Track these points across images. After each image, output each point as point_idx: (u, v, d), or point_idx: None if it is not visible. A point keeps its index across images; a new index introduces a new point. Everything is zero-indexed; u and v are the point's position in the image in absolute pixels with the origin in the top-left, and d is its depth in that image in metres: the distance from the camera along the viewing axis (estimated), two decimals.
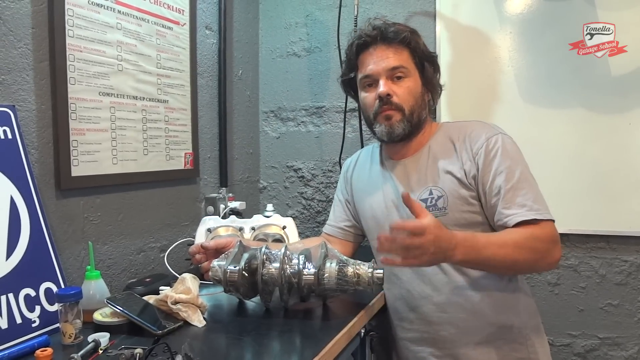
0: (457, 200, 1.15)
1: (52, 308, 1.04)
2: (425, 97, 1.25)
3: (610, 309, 1.68)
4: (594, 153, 1.64)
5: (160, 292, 1.13)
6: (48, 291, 1.05)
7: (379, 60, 1.20)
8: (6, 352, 0.90)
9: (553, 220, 1.09)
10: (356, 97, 1.32)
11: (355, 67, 1.26)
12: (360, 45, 1.23)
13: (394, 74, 1.19)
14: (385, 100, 1.18)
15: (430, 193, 1.18)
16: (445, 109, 1.81)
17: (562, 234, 1.14)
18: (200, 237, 1.45)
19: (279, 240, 1.45)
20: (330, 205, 1.49)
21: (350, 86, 1.32)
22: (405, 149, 1.26)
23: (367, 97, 1.23)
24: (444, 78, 1.80)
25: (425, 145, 1.24)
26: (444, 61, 1.80)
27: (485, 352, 1.14)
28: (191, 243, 1.49)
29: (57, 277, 1.08)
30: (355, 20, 1.82)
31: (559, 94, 1.68)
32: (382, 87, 1.18)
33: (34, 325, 1.00)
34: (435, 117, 1.81)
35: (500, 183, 1.11)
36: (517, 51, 1.72)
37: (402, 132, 1.20)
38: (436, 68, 1.27)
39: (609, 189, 1.63)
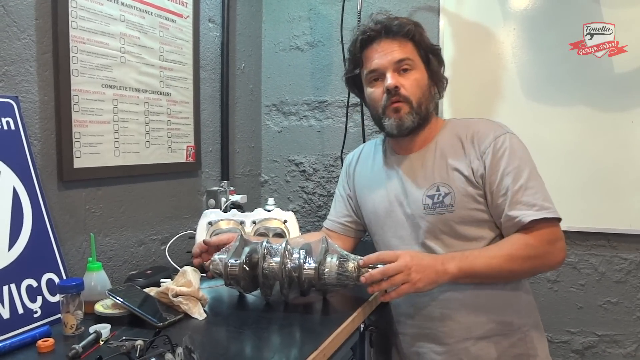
0: (464, 197, 1.15)
1: (53, 299, 1.04)
2: (432, 90, 1.24)
3: (609, 306, 1.68)
4: (596, 150, 1.64)
5: (161, 284, 1.14)
6: (50, 282, 1.06)
7: (384, 54, 1.19)
8: (8, 342, 0.90)
9: (560, 219, 1.10)
10: (361, 94, 1.31)
11: (360, 64, 1.25)
12: (365, 41, 1.22)
13: (400, 67, 1.18)
14: (393, 92, 1.17)
15: (437, 190, 1.17)
16: (447, 104, 1.80)
17: (562, 232, 1.13)
18: (202, 230, 1.46)
19: (279, 234, 1.45)
20: (331, 199, 1.49)
21: (354, 83, 1.31)
22: (412, 143, 1.25)
23: (374, 91, 1.22)
24: (447, 73, 1.80)
25: (432, 140, 1.24)
26: (447, 56, 1.79)
27: (485, 347, 1.15)
28: (192, 236, 1.50)
29: (59, 268, 1.09)
30: (359, 15, 1.81)
31: (561, 91, 1.67)
32: (390, 79, 1.17)
33: (35, 315, 1.01)
34: (437, 113, 1.80)
35: (508, 184, 1.10)
36: (520, 48, 1.72)
37: (412, 124, 1.19)
38: (440, 60, 1.27)
39: (610, 187, 1.63)
